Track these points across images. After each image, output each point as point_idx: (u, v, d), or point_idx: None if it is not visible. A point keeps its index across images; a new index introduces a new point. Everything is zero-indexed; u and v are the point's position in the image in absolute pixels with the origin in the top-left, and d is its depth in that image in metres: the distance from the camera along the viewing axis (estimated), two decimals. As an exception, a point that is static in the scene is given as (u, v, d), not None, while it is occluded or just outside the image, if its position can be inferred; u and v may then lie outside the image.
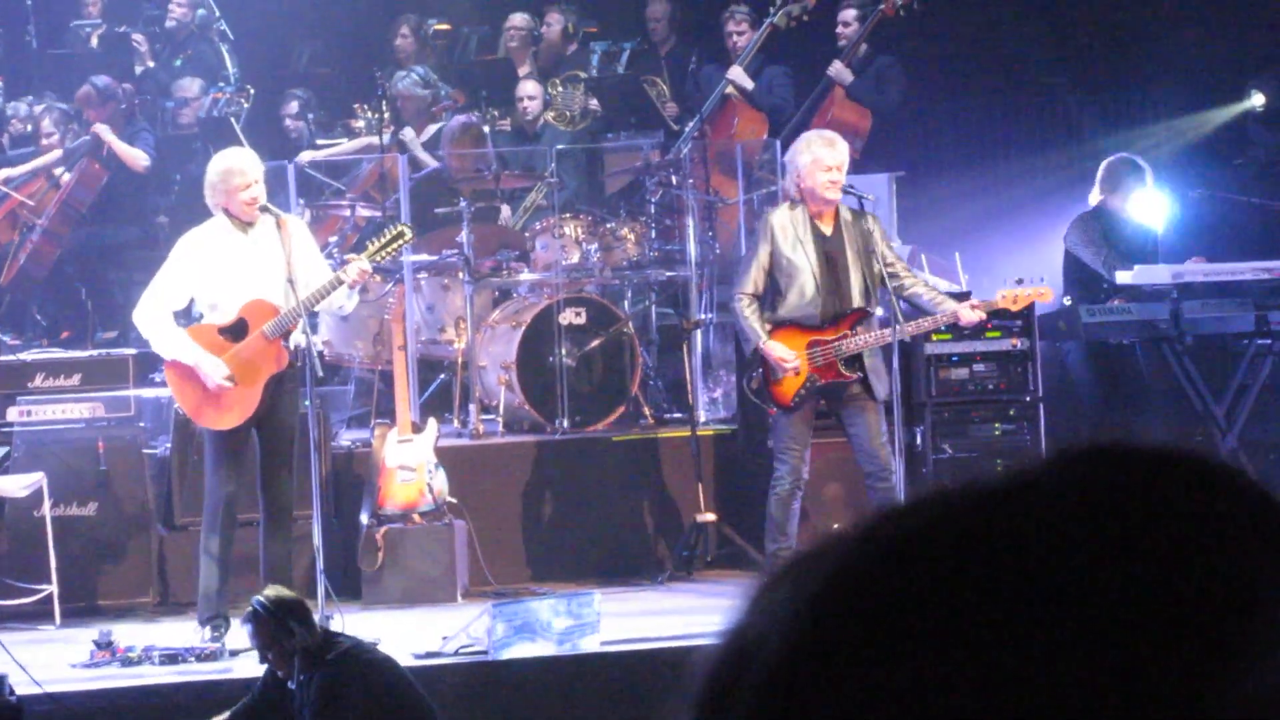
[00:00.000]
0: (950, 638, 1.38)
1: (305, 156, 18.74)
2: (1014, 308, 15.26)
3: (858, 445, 14.62)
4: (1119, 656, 1.40)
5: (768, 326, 14.71)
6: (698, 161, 18.04)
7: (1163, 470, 1.49)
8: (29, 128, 20.71)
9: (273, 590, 12.48)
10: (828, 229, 14.72)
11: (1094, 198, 17.41)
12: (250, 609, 12.10)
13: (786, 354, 14.54)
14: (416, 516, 15.74)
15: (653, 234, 17.72)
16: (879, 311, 14.91)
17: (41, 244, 19.54)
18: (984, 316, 15.07)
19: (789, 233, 14.76)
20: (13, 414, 16.08)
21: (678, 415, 17.00)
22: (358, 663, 12.21)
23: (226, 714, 12.38)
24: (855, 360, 14.44)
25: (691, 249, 17.27)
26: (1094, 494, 1.44)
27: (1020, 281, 15.29)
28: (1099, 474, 1.48)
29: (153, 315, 14.34)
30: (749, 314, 14.87)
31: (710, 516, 16.02)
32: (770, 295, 14.82)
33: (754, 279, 14.83)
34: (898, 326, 14.44)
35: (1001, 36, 21.34)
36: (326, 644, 11.97)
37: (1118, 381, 17.45)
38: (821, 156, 14.59)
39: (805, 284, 14.69)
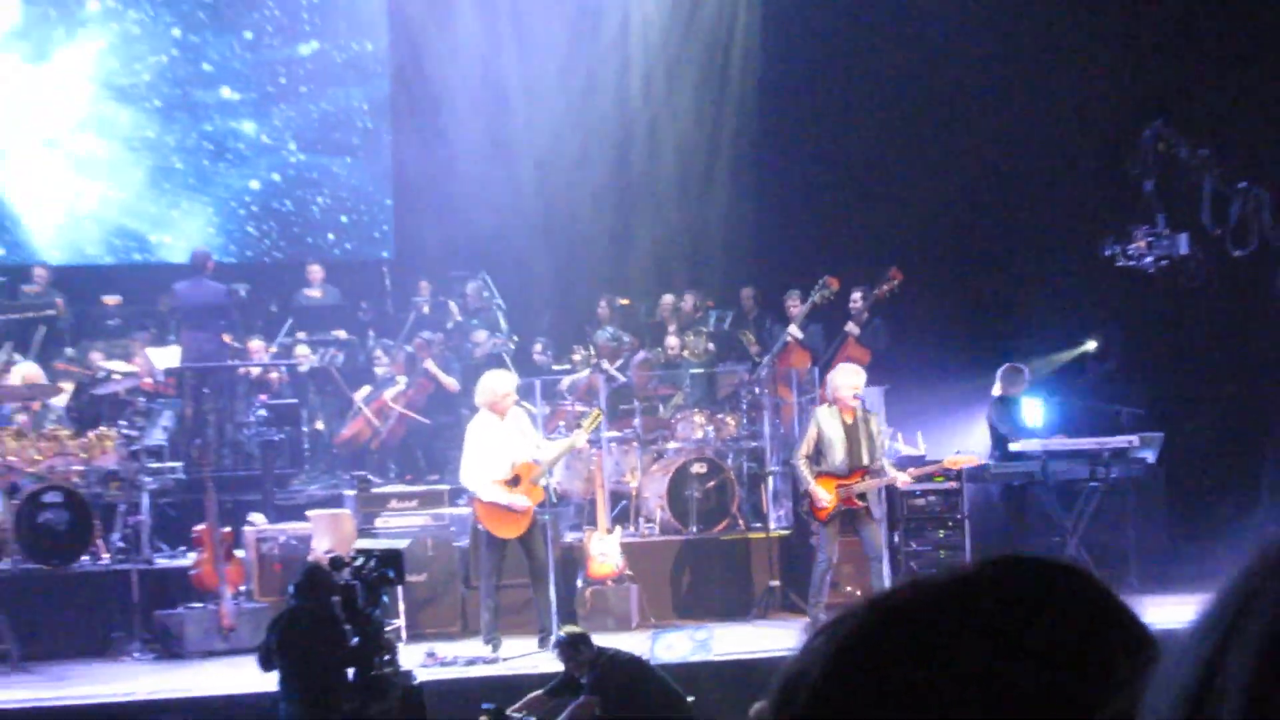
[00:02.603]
0: (920, 677, 1.73)
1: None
2: (954, 467, 18.81)
3: (865, 542, 17.88)
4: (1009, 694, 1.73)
5: (813, 475, 17.85)
6: (769, 380, 21.38)
7: (1041, 572, 1.84)
8: (386, 360, 23.90)
9: (568, 627, 15.49)
10: (849, 420, 17.93)
11: (996, 390, 20.28)
12: (558, 638, 15.10)
13: (824, 493, 17.75)
14: (609, 582, 18.98)
15: (745, 420, 21.28)
16: (878, 466, 17.99)
17: (395, 427, 22.91)
18: (911, 481, 18.73)
19: (828, 421, 17.98)
20: (379, 522, 19.50)
21: (758, 525, 20.36)
22: (618, 660, 14.67)
23: (541, 691, 14.91)
24: (863, 495, 17.68)
25: (766, 429, 20.88)
26: (999, 589, 1.81)
27: (959, 451, 19.43)
28: (1003, 574, 1.85)
29: (471, 476, 17.70)
30: (803, 468, 17.98)
31: (776, 582, 19.73)
32: (815, 457, 17.91)
33: (806, 447, 17.97)
34: (884, 478, 17.80)
35: (957, 322, 23.86)
36: (600, 653, 14.48)
37: (1017, 506, 20.24)
38: (846, 380, 18.10)
39: (836, 452, 17.83)
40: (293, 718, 13.99)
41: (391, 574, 14.52)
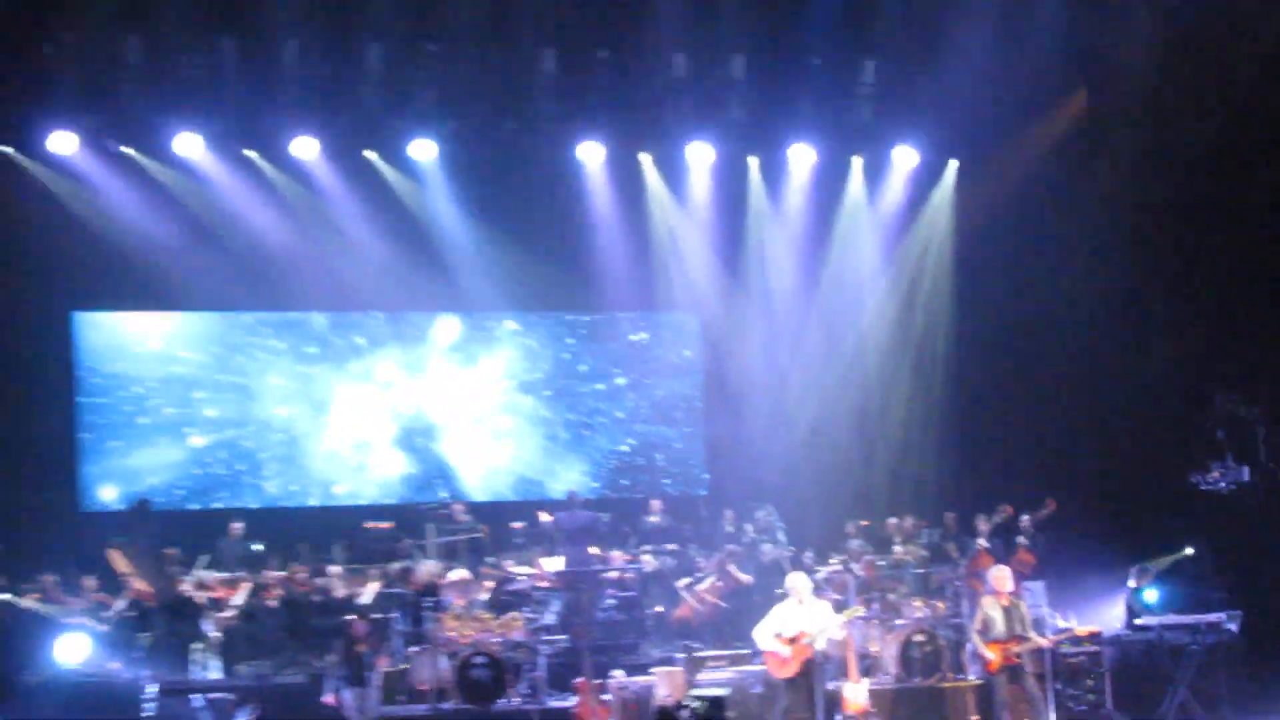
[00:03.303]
0: None
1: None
2: (1081, 634, 20.65)
3: (1025, 688, 19.46)
4: None
5: (983, 642, 19.70)
6: (966, 577, 22.88)
7: None
8: (703, 563, 24.89)
9: None
10: (1006, 604, 19.69)
11: (1131, 582, 22.07)
12: None
13: (992, 655, 19.68)
14: (859, 716, 20.06)
15: (950, 605, 22.49)
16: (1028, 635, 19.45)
17: (709, 610, 23.76)
18: (1050, 644, 20.15)
19: (992, 604, 19.79)
20: (700, 676, 20.17)
21: (961, 676, 21.38)
22: None
23: None
24: (1019, 654, 19.44)
25: (964, 610, 22.04)
26: None
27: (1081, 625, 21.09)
28: None
29: (758, 633, 19.21)
30: (976, 637, 19.91)
31: (976, 717, 20.78)
32: (985, 629, 19.67)
33: (979, 622, 19.87)
34: (1026, 644, 19.39)
35: (1095, 531, 24.17)
36: None
37: (1143, 662, 21.22)
38: (1001, 577, 20.03)
39: (998, 624, 19.61)
40: None
41: (716, 713, 16.77)
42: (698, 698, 16.77)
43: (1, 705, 20.02)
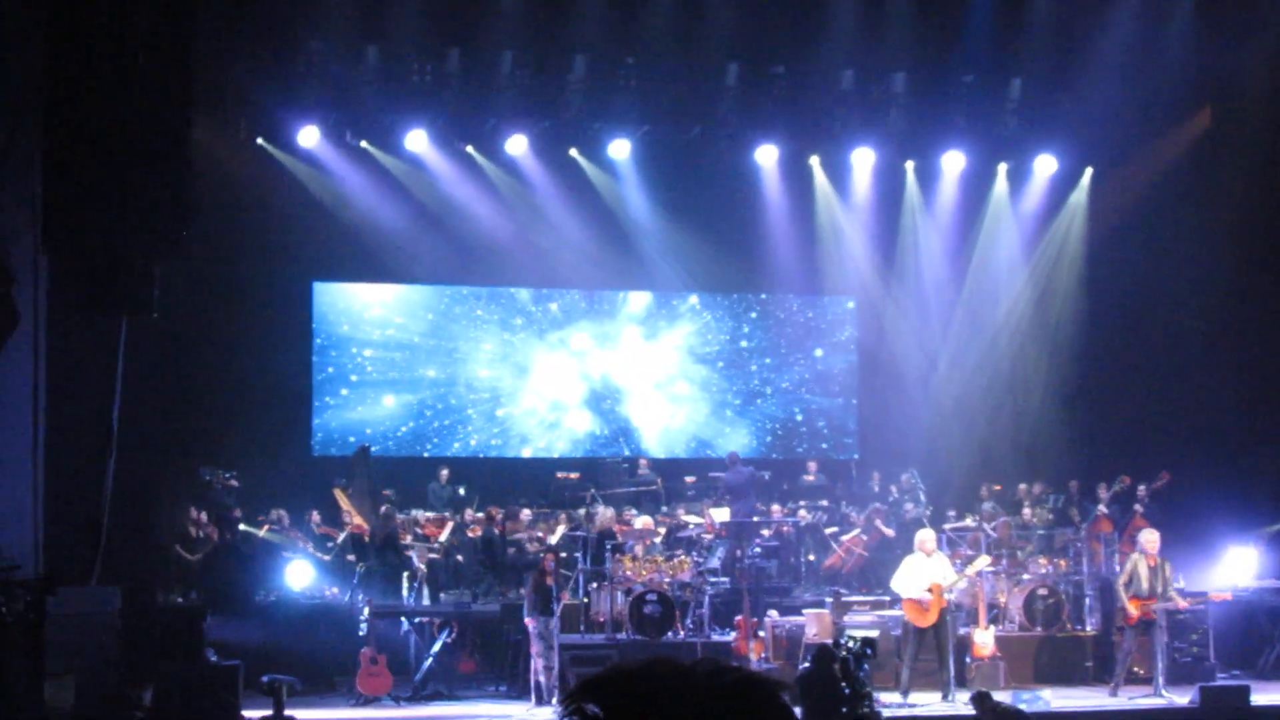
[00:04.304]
0: None
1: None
2: (1217, 599, 20.87)
3: (1153, 641, 19.40)
4: None
5: (1127, 596, 19.51)
6: (1086, 539, 22.57)
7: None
8: (853, 518, 25.08)
9: (979, 687, 15.94)
10: (1153, 563, 19.49)
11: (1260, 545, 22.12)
12: (974, 693, 15.04)
13: (1133, 609, 19.50)
14: (986, 660, 20.19)
15: (1071, 564, 22.25)
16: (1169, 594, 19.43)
17: (856, 559, 24.43)
18: (1187, 605, 20.09)
19: (1139, 564, 19.58)
20: (846, 619, 20.22)
21: (1079, 627, 21.62)
22: (1006, 709, 14.21)
23: None
24: (1155, 611, 19.29)
25: (1085, 569, 22.06)
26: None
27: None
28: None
29: (900, 584, 19.38)
30: (1121, 590, 19.71)
31: (1090, 664, 21.07)
32: (1130, 584, 19.49)
33: (1127, 576, 19.66)
34: (1166, 604, 19.42)
35: (1205, 501, 23.58)
36: (996, 704, 14.25)
37: (1247, 621, 21.66)
38: (1150, 540, 19.81)
39: (1143, 582, 19.46)
40: None
41: (870, 651, 16.30)
42: (852, 637, 16.64)
43: (239, 620, 20.81)
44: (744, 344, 29.97)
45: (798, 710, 15.17)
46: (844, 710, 15.45)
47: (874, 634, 17.96)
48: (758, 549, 23.49)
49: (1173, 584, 19.84)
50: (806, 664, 16.67)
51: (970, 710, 15.64)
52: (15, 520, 15.88)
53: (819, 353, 30.14)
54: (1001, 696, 15.83)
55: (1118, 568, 21.03)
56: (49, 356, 16.93)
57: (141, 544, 19.55)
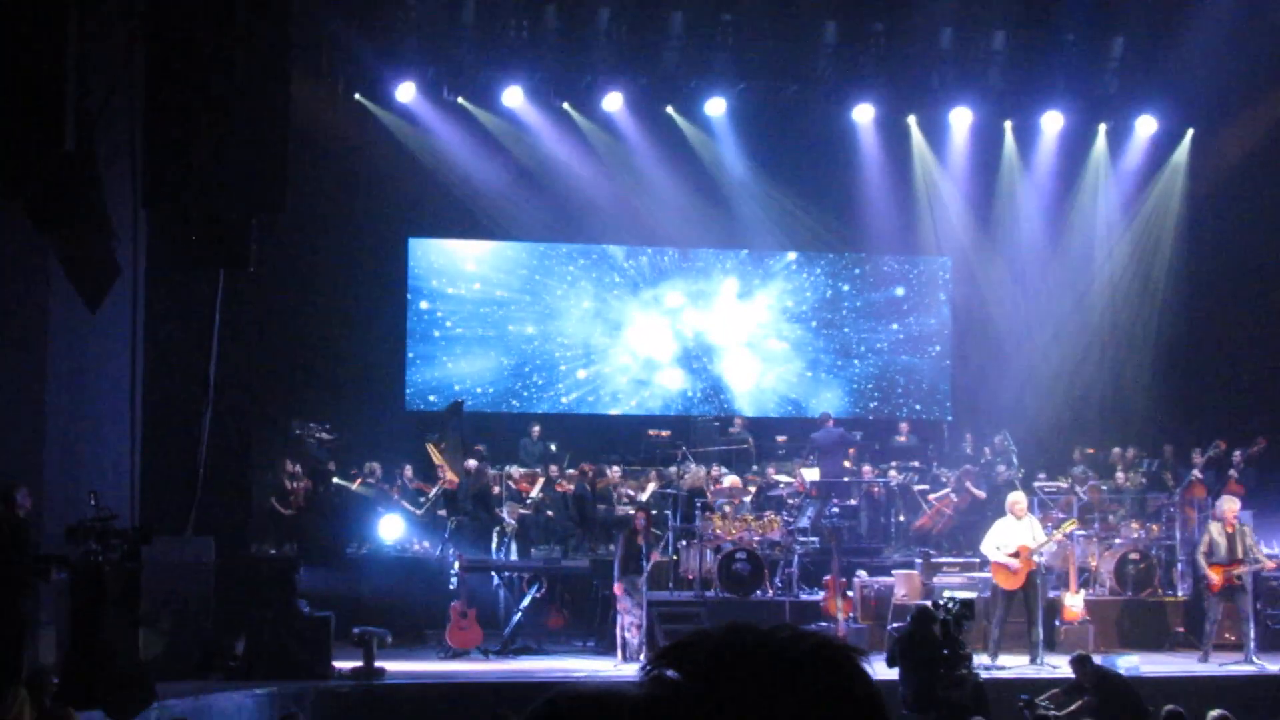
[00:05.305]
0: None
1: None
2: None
3: (1239, 608, 19.23)
4: None
5: (1208, 564, 19.36)
6: (1180, 504, 22.57)
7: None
8: (946, 478, 24.81)
9: (1079, 652, 16.11)
10: (1230, 529, 19.34)
11: None
12: (1075, 655, 15.83)
13: (1215, 577, 19.36)
14: (1076, 623, 20.29)
15: (1164, 528, 22.39)
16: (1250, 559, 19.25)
17: (947, 520, 24.12)
18: (1273, 567, 19.91)
19: (1218, 530, 19.44)
20: (935, 580, 20.53)
21: (1170, 592, 21.73)
22: (1105, 671, 15.51)
23: (1058, 690, 15.56)
24: (1240, 576, 19.08)
25: (1177, 534, 22.07)
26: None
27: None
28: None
29: (988, 547, 19.18)
30: (1201, 559, 19.54)
31: (1181, 629, 21.04)
32: (1210, 553, 19.36)
33: (1205, 545, 19.55)
34: (1254, 566, 19.28)
35: None
36: (1097, 667, 15.38)
37: None
38: (1229, 506, 19.69)
39: (1222, 549, 19.35)
40: (908, 697, 15.53)
41: (969, 613, 16.19)
42: (951, 598, 16.59)
43: (331, 573, 21.16)
44: (838, 304, 29.92)
45: (895, 670, 15.52)
46: (943, 671, 15.55)
47: (971, 595, 18.11)
48: (835, 509, 23.47)
49: (1256, 547, 19.68)
50: (905, 624, 16.81)
51: (1063, 673, 16.23)
52: (113, 471, 16.22)
53: (912, 313, 30.03)
54: (1091, 660, 15.89)
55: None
56: (148, 310, 17.22)
57: (236, 496, 19.83)
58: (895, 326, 29.99)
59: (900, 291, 30.14)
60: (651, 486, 24.43)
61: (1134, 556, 22.23)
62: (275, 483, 23.53)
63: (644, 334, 29.18)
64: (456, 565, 21.01)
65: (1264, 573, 20.10)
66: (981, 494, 24.50)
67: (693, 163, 27.64)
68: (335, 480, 24.05)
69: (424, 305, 28.31)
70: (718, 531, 21.64)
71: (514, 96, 26.31)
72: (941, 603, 16.26)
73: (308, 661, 17.71)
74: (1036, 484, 24.29)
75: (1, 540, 13.70)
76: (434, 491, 24.10)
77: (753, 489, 24.27)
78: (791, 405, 29.52)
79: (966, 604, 16.25)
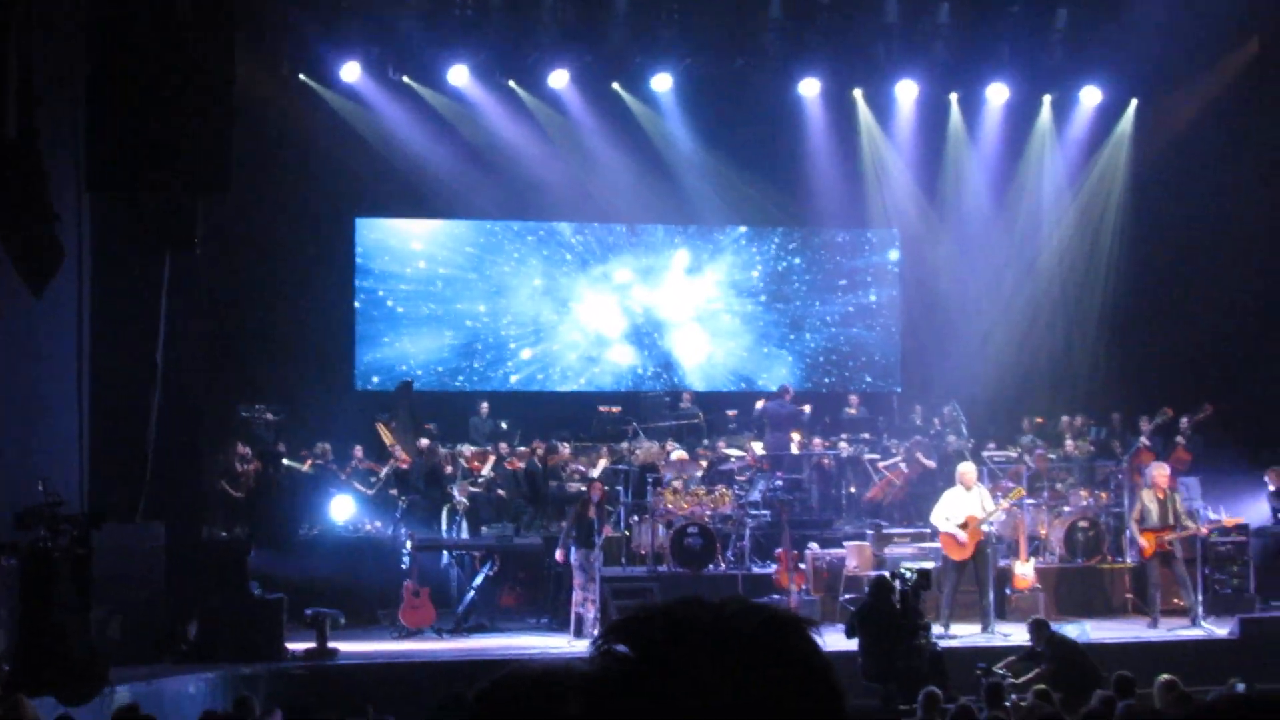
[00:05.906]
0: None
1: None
2: (1229, 525, 20.78)
3: (1175, 573, 19.53)
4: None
5: (1140, 531, 19.80)
6: (1127, 471, 22.36)
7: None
8: (896, 449, 24.86)
9: (1036, 616, 16.68)
10: (1161, 495, 19.71)
11: (1272, 481, 21.70)
12: (1032, 620, 16.30)
13: (1146, 543, 19.77)
14: (1026, 591, 20.29)
15: (1112, 495, 22.51)
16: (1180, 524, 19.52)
17: (898, 491, 24.01)
18: (1204, 532, 20.06)
19: (1150, 496, 19.77)
20: (886, 551, 20.69)
21: (1119, 559, 21.58)
22: (1060, 638, 15.87)
23: (1014, 657, 15.93)
24: (1171, 542, 19.40)
25: (1125, 501, 21.82)
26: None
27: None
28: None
29: (937, 517, 19.47)
30: (1134, 526, 20.06)
31: (1130, 595, 21.04)
32: (1141, 519, 19.78)
33: (1137, 512, 19.98)
34: (1181, 532, 19.44)
35: (1244, 436, 23.87)
36: (1052, 633, 15.81)
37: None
38: (1160, 473, 20.02)
39: (1154, 515, 19.71)
40: (867, 667, 15.76)
41: (926, 583, 16.68)
42: (908, 568, 16.87)
43: (283, 554, 21.08)
44: (788, 277, 29.91)
45: (854, 642, 15.71)
46: (901, 641, 15.68)
47: (929, 565, 18.41)
48: (779, 482, 23.38)
49: (1185, 514, 19.89)
50: (861, 595, 16.93)
51: (1015, 640, 16.77)
52: (61, 456, 16.11)
53: (861, 286, 30.01)
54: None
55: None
56: (93, 294, 17.15)
57: (186, 479, 19.65)
58: (844, 299, 29.97)
59: (849, 264, 30.13)
60: (603, 463, 24.34)
61: (1083, 524, 22.31)
62: (225, 465, 23.43)
63: (593, 310, 29.16)
64: (408, 544, 20.99)
65: (1197, 538, 20.20)
66: (932, 464, 24.57)
67: (640, 138, 27.58)
68: (285, 462, 23.98)
69: (371, 285, 28.26)
70: (669, 506, 21.67)
71: (460, 75, 26.19)
72: (899, 573, 16.42)
73: (261, 644, 17.73)
74: (985, 454, 24.41)
75: (-50, 528, 13.60)
76: (385, 471, 24.02)
77: (704, 464, 24.27)
78: (743, 380, 29.51)
79: (924, 574, 16.53)
